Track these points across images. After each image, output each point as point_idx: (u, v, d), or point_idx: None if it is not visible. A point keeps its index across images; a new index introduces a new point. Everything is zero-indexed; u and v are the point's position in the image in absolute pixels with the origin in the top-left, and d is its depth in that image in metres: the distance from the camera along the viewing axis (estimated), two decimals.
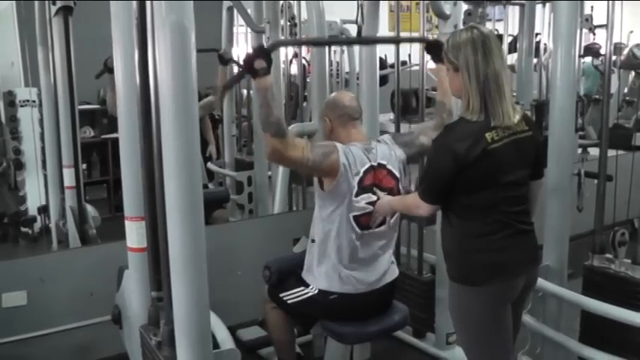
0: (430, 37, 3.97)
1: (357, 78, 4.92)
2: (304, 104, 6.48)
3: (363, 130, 3.57)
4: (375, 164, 3.38)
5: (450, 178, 2.74)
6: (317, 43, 4.03)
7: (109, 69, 4.98)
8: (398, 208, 3.35)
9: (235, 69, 6.19)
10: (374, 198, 3.34)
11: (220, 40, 6.71)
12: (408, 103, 6.68)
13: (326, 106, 3.59)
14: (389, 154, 3.46)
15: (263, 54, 3.00)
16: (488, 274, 2.80)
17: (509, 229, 2.82)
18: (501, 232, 2.81)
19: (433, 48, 3.55)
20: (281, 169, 5.34)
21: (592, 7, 6.81)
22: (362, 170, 3.32)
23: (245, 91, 6.90)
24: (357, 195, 3.30)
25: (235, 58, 6.36)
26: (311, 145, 3.24)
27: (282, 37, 5.90)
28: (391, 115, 7.08)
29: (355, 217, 3.32)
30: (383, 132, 4.51)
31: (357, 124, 3.51)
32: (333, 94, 3.71)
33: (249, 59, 3.00)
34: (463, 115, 2.79)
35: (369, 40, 4.05)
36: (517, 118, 2.80)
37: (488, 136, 2.70)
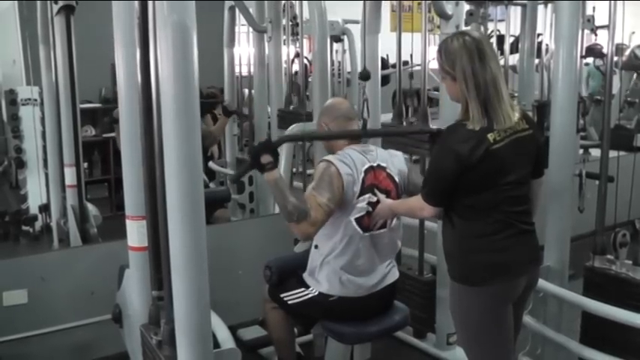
0: (432, 126, 3.98)
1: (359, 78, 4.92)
2: (306, 104, 6.47)
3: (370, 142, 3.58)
4: (375, 164, 3.38)
5: (453, 179, 2.74)
6: (323, 137, 4.04)
7: (115, 120, 5.01)
8: (400, 211, 3.35)
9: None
10: (374, 198, 3.34)
11: (222, 40, 6.71)
12: (410, 104, 6.70)
13: (321, 113, 3.64)
14: (388, 159, 3.47)
15: (269, 149, 3.06)
16: (490, 274, 2.80)
17: (511, 229, 2.82)
18: (503, 232, 2.81)
19: (435, 138, 3.56)
20: (282, 168, 5.33)
21: (594, 7, 6.81)
22: (363, 170, 3.32)
23: (247, 91, 6.89)
24: (359, 196, 3.30)
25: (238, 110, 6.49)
26: (317, 190, 3.23)
27: (284, 36, 5.89)
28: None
29: (357, 220, 3.32)
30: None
31: (353, 124, 3.53)
32: (327, 101, 3.78)
33: (256, 154, 3.06)
34: (463, 121, 2.78)
35: (372, 134, 4.10)
36: (517, 116, 2.80)
37: (490, 136, 2.70)
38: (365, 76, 3.81)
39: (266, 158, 3.05)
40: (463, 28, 3.87)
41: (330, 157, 3.34)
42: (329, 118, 3.52)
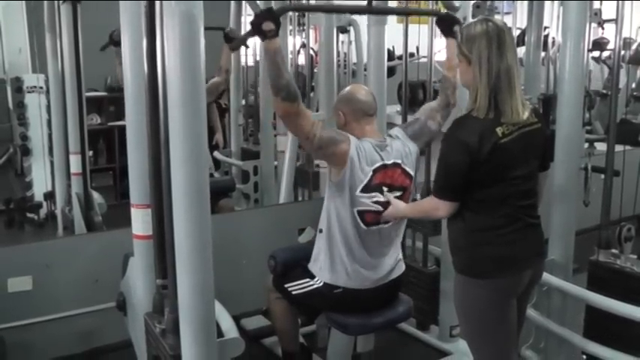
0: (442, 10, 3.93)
1: (365, 69, 4.91)
2: (311, 94, 6.47)
3: (377, 127, 3.54)
4: (389, 163, 3.35)
5: (466, 170, 2.71)
6: (325, 10, 4.00)
7: (114, 42, 4.99)
8: (414, 215, 3.36)
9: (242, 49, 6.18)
10: (382, 198, 3.32)
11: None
12: (416, 95, 6.68)
13: (340, 99, 3.54)
14: (403, 150, 3.42)
15: (271, 16, 2.95)
16: (496, 267, 2.80)
17: (518, 223, 2.82)
18: (511, 225, 2.81)
19: (444, 21, 3.52)
20: (287, 159, 5.34)
21: (601, 1, 6.79)
22: (372, 169, 3.29)
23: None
24: (362, 191, 3.28)
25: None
26: (321, 125, 3.22)
27: (290, 26, 5.89)
28: (398, 107, 7.07)
29: (360, 213, 3.31)
30: (390, 124, 4.50)
31: (371, 120, 3.46)
32: (348, 87, 3.64)
33: (258, 21, 2.95)
34: (470, 108, 2.78)
35: (378, 10, 4.03)
36: (526, 114, 2.78)
37: (499, 130, 2.69)
38: None
39: (268, 25, 2.94)
40: (470, 20, 3.84)
41: (352, 137, 3.31)
42: (347, 109, 3.44)
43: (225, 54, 6.21)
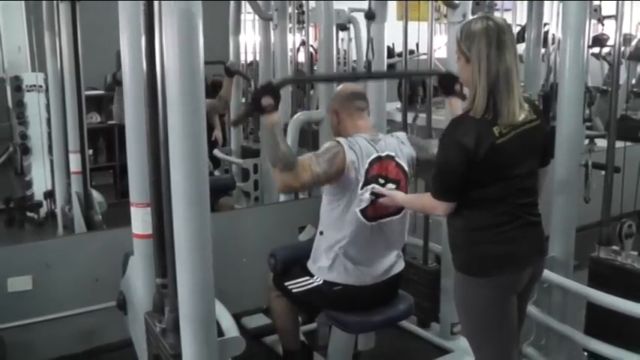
0: (442, 69, 3.95)
1: (365, 66, 4.91)
2: (311, 92, 6.46)
3: (371, 122, 3.57)
4: (383, 155, 3.36)
5: (463, 171, 2.71)
6: (326, 79, 4.03)
7: (117, 82, 4.99)
8: (415, 207, 3.36)
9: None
10: (377, 189, 3.31)
11: (228, 27, 6.70)
12: (415, 92, 6.68)
13: (333, 98, 3.61)
14: (397, 147, 3.43)
15: (271, 91, 3.03)
16: (497, 265, 2.80)
17: (518, 221, 2.81)
18: (511, 223, 2.80)
19: (446, 79, 3.54)
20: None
21: None
22: (368, 161, 3.30)
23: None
24: (362, 187, 3.28)
25: (241, 70, 6.42)
26: (316, 158, 3.24)
27: (290, 24, 5.87)
28: (398, 104, 7.08)
29: (362, 211, 3.30)
30: (390, 121, 4.50)
31: (364, 114, 3.52)
32: (340, 85, 3.70)
33: (257, 96, 3.03)
34: (468, 111, 2.77)
35: (377, 75, 4.09)
36: (522, 116, 2.77)
37: (495, 130, 2.68)
38: (370, 16, 3.80)
39: (267, 100, 3.01)
40: (470, 17, 3.84)
41: (340, 139, 3.34)
42: (339, 106, 3.51)
43: (225, 85, 6.25)
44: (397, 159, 3.40)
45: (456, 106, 3.46)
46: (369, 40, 3.80)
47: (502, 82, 2.68)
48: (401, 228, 3.50)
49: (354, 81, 3.48)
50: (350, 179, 3.26)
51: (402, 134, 3.58)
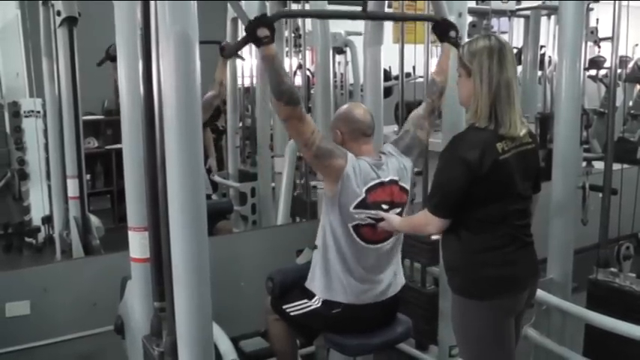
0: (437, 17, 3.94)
1: (362, 89, 4.92)
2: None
3: (373, 147, 3.51)
4: (386, 180, 3.32)
5: (465, 187, 2.71)
6: (321, 15, 4.00)
7: (111, 57, 4.99)
8: (405, 229, 3.30)
9: (238, 61, 6.21)
10: (380, 214, 3.30)
11: None
12: None
13: (338, 117, 3.48)
14: (399, 167, 3.39)
15: (266, 23, 2.91)
16: (497, 288, 2.80)
17: (517, 243, 2.82)
18: (510, 245, 2.81)
19: (440, 26, 3.53)
20: (284, 181, 5.34)
21: (597, 19, 6.83)
22: (366, 188, 3.25)
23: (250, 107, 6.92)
24: (357, 207, 3.26)
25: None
26: (322, 136, 3.18)
27: (286, 48, 5.90)
28: (395, 127, 7.08)
29: (355, 228, 3.29)
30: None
31: (369, 140, 3.41)
32: (346, 105, 3.59)
33: (252, 28, 2.90)
34: (471, 121, 2.78)
35: (374, 16, 4.03)
36: (524, 131, 2.80)
37: (499, 146, 2.70)
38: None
39: (262, 32, 2.89)
40: (466, 40, 3.86)
41: (350, 155, 3.25)
42: (345, 128, 3.38)
43: (220, 66, 6.21)
44: (401, 182, 3.38)
45: (445, 54, 3.46)
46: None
47: (503, 93, 2.71)
48: (395, 251, 3.47)
49: (349, 19, 3.35)
50: (342, 196, 3.21)
51: (390, 148, 3.50)
